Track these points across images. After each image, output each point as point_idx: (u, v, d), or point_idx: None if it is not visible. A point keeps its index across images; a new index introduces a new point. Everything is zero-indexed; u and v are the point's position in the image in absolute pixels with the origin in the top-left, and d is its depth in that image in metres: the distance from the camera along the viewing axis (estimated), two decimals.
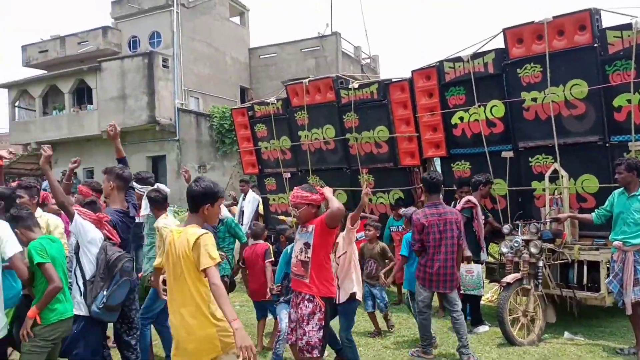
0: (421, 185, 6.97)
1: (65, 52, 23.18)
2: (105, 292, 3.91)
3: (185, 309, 3.06)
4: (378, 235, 6.66)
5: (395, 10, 73.00)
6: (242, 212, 9.68)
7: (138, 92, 19.96)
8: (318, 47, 24.03)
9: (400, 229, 7.23)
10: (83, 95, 22.32)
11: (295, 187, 4.29)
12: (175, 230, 3.22)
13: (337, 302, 4.74)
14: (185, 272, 3.04)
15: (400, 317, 6.86)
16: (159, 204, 5.43)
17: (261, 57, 25.59)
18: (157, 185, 6.46)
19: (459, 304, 5.42)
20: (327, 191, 4.13)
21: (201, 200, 3.16)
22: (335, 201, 4.00)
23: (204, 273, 2.99)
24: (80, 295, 3.91)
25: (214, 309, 3.06)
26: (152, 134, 20.20)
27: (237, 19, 25.86)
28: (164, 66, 20.36)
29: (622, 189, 5.32)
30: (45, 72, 23.92)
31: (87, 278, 3.93)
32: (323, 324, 4.00)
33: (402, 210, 6.96)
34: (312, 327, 3.97)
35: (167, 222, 5.31)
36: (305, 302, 4.04)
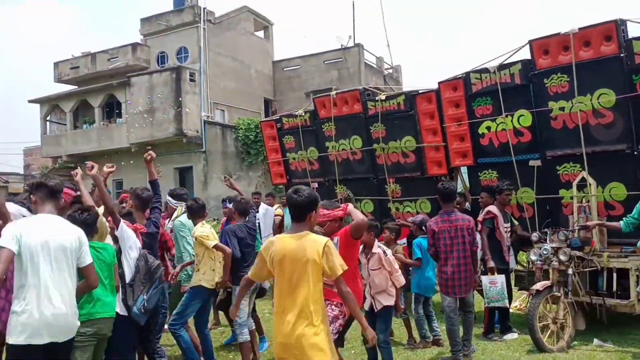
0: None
1: (96, 68, 23.83)
2: (145, 296, 4.23)
3: (301, 314, 3.18)
4: (393, 237, 6.59)
5: (416, 20, 73.30)
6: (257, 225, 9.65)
7: (166, 106, 20.45)
8: (341, 59, 24.30)
9: None
10: (113, 109, 22.95)
11: None
12: (284, 237, 3.36)
13: (374, 310, 4.97)
14: (311, 277, 3.18)
15: None
16: (196, 212, 5.69)
17: (285, 69, 25.97)
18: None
19: (473, 307, 5.88)
20: (349, 206, 4.36)
21: (307, 209, 3.34)
22: (358, 214, 4.21)
23: (337, 279, 3.23)
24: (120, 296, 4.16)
25: (324, 316, 3.29)
26: (179, 146, 20.64)
27: (261, 33, 26.32)
28: (190, 80, 20.84)
29: None
30: (76, 87, 24.61)
31: (127, 281, 4.21)
32: (341, 329, 4.21)
33: (410, 219, 7.06)
34: (332, 330, 4.11)
35: (204, 230, 5.54)
36: (333, 306, 4.22)
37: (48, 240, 3.34)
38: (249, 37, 24.90)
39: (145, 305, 4.21)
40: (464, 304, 5.74)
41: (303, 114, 9.42)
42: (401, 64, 28.29)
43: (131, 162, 18.48)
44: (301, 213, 3.34)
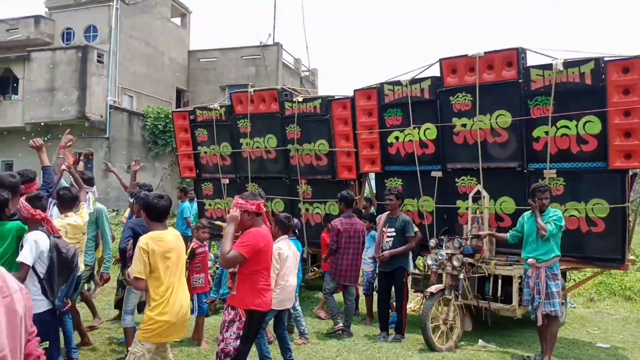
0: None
1: None
2: (64, 287, 4.12)
3: (185, 295, 4.08)
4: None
5: (336, 27, 74.91)
6: None
7: (68, 86, 19.27)
8: (259, 56, 24.20)
9: None
10: (8, 85, 21.23)
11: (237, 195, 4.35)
12: (164, 233, 4.00)
13: None
14: (182, 264, 4.16)
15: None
16: (66, 203, 5.21)
17: (201, 60, 25.41)
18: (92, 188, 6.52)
19: (354, 295, 7.11)
20: (228, 227, 4.09)
21: (168, 212, 4.10)
22: (225, 242, 3.98)
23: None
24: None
25: None
26: (81, 129, 19.38)
27: (178, 20, 25.56)
28: (98, 61, 19.80)
29: (531, 211, 5.86)
30: None
31: (42, 277, 3.99)
32: (242, 333, 4.05)
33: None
34: (230, 335, 4.07)
35: (59, 222, 4.99)
36: (229, 309, 4.18)
37: None
38: (165, 22, 24.10)
39: (67, 294, 4.19)
40: (348, 292, 6.91)
41: (218, 108, 9.30)
42: (318, 68, 28.76)
43: (25, 142, 17.24)
44: (165, 215, 4.07)
